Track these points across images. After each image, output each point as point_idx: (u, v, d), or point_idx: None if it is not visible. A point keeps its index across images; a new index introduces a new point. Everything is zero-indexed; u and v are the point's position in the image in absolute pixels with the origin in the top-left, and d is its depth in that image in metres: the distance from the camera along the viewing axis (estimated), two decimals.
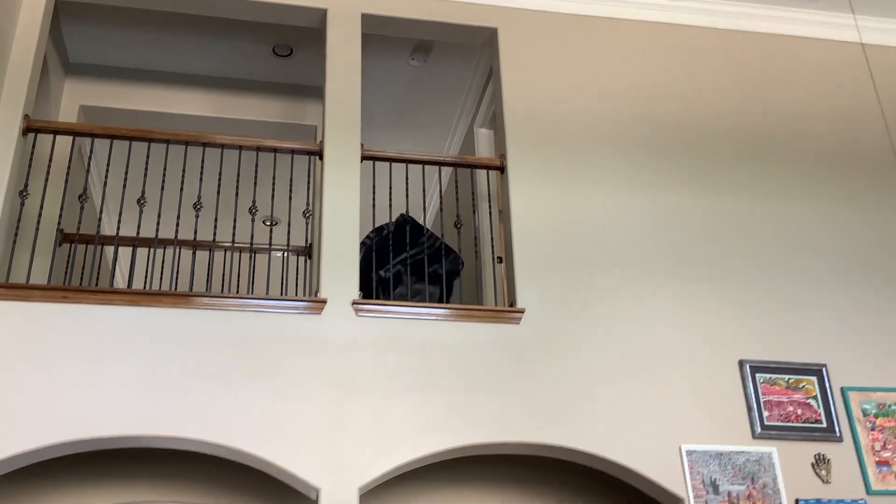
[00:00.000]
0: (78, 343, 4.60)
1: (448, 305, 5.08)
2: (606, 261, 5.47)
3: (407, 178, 5.63)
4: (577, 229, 5.54)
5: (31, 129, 5.15)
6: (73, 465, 5.58)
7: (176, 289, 5.12)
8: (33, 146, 5.14)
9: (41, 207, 5.00)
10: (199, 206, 5.30)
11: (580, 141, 5.87)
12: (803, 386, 5.24)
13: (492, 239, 5.73)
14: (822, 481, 5.00)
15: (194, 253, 5.70)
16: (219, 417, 4.57)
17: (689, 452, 4.92)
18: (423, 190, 5.62)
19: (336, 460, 4.62)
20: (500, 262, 5.67)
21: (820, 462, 5.05)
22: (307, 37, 6.72)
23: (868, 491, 5.01)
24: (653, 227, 5.65)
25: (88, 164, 5.22)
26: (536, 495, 6.00)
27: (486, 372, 4.97)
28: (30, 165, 5.10)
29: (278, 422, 4.64)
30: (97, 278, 5.62)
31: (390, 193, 5.66)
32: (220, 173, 5.41)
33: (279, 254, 8.54)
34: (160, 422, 4.51)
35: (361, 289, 5.95)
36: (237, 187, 5.30)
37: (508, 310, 5.15)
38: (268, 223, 8.26)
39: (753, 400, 5.12)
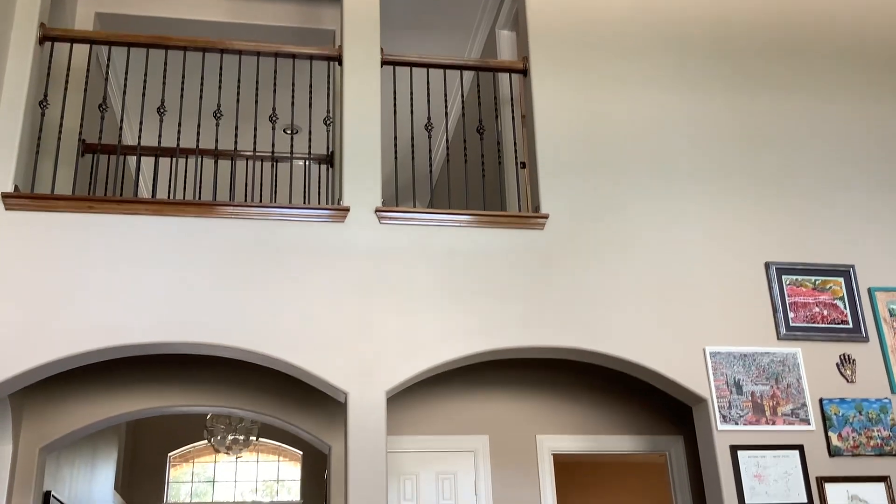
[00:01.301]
0: (104, 253, 4.65)
1: (471, 212, 5.05)
2: (632, 165, 5.40)
3: (428, 83, 5.53)
4: (601, 133, 5.45)
5: (47, 37, 5.08)
6: (103, 373, 5.72)
7: (199, 198, 5.13)
8: (51, 55, 5.08)
9: (62, 118, 4.97)
10: (218, 115, 5.26)
11: (605, 42, 5.72)
12: (830, 287, 5.22)
13: (515, 144, 5.65)
14: (847, 381, 5.03)
15: (216, 162, 5.68)
16: (246, 323, 4.63)
17: (713, 354, 4.95)
18: (445, 95, 5.53)
19: (363, 365, 4.69)
20: (524, 167, 5.61)
21: (845, 362, 5.07)
22: None
23: (893, 390, 5.03)
24: (679, 130, 5.55)
25: (107, 73, 5.17)
26: (559, 398, 6.09)
27: (509, 277, 4.98)
28: (48, 75, 5.05)
29: (305, 328, 4.70)
30: (121, 188, 5.63)
31: (411, 99, 5.57)
32: (238, 81, 5.33)
33: (301, 162, 8.51)
34: (188, 328, 4.58)
35: None
36: (256, 95, 5.24)
37: (532, 216, 5.12)
38: (288, 131, 8.21)
39: (779, 301, 5.11)
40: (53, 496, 5.92)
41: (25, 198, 4.64)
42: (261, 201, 5.35)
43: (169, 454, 11.48)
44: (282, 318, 4.68)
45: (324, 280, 4.81)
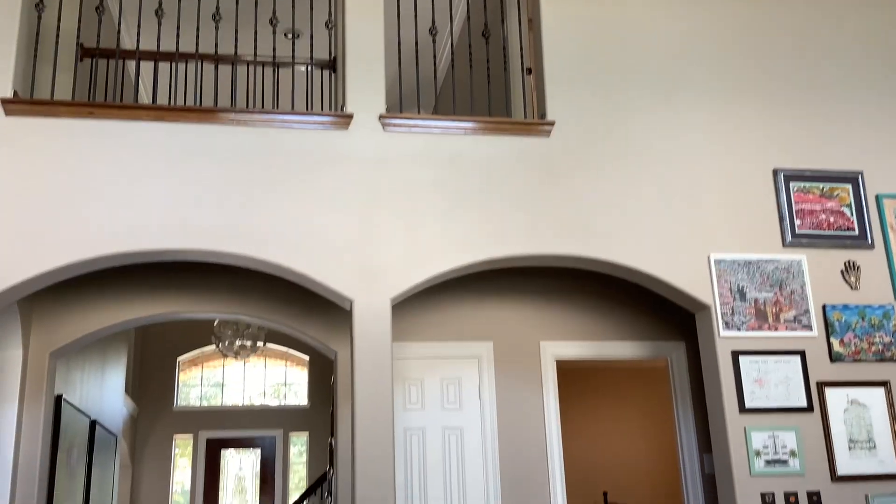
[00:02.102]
0: (107, 159, 4.61)
1: (477, 118, 4.99)
2: (639, 73, 5.30)
3: None
4: (609, 40, 5.33)
5: None
6: (111, 279, 5.75)
7: (200, 105, 5.06)
8: None
9: (59, 20, 4.87)
10: (217, 18, 5.14)
11: None
12: (837, 194, 5.19)
13: (521, 49, 5.54)
14: (851, 288, 5.05)
15: (216, 68, 5.58)
16: (251, 231, 4.63)
17: (718, 261, 4.95)
18: None
19: (368, 272, 4.70)
20: (530, 73, 5.51)
21: (849, 269, 5.08)
22: None
23: None
24: (687, 39, 5.43)
25: None
26: (563, 305, 6.14)
27: (514, 185, 4.95)
28: None
29: (310, 235, 4.70)
30: (121, 94, 5.55)
31: (415, 1, 5.43)
32: None
33: (303, 68, 8.37)
34: (193, 235, 4.58)
35: None
36: None
37: (538, 122, 5.06)
38: (289, 36, 8.04)
39: (786, 208, 5.09)
40: (65, 400, 6.04)
41: (25, 103, 4.58)
42: (263, 108, 5.28)
43: (178, 359, 11.68)
44: (286, 226, 4.68)
45: (328, 188, 4.78)
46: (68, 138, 4.60)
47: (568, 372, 9.81)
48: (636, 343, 6.12)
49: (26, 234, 4.43)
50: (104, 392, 7.53)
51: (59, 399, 5.88)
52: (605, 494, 9.62)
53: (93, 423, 6.96)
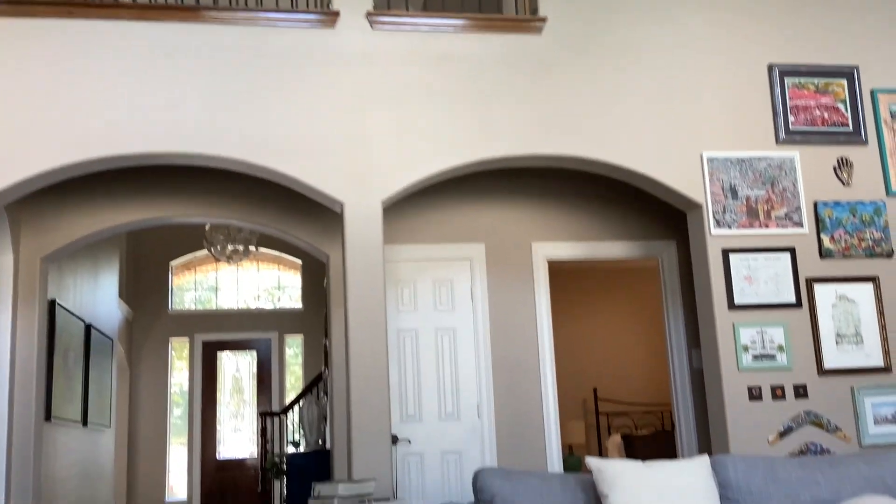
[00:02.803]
0: (89, 61, 4.50)
1: (467, 15, 4.86)
2: None
3: None
4: None
5: None
6: (100, 184, 5.70)
7: (182, 2, 4.92)
8: None
9: None
10: None
11: None
12: (832, 89, 5.12)
13: None
14: (843, 184, 5.04)
15: None
16: (238, 134, 4.57)
17: (710, 160, 4.92)
18: None
19: (358, 175, 4.66)
20: None
21: (842, 165, 5.06)
22: None
23: (888, 192, 5.06)
24: None
25: None
26: (554, 206, 6.13)
27: (506, 84, 4.87)
28: None
29: (298, 137, 4.64)
30: None
31: None
32: None
33: None
34: (179, 139, 4.52)
35: None
36: None
37: (530, 19, 4.94)
38: None
39: (780, 104, 5.03)
40: (58, 304, 6.07)
41: (2, 3, 4.44)
42: (246, 5, 5.14)
43: (170, 263, 11.71)
44: (274, 128, 4.62)
45: (316, 88, 4.70)
46: (48, 39, 4.48)
47: (559, 272, 9.89)
48: (627, 243, 6.14)
49: (8, 138, 4.36)
50: (98, 296, 7.57)
51: (52, 303, 5.90)
52: (594, 391, 9.82)
53: (88, 327, 7.02)
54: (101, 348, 7.55)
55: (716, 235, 4.85)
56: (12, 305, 5.37)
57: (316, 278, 11.79)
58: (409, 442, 5.66)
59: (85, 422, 6.89)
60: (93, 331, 7.16)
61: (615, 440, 9.26)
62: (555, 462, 5.75)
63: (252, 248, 9.74)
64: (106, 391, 7.75)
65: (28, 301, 5.45)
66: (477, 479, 3.40)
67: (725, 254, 4.83)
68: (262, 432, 8.59)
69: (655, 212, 6.21)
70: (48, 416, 5.78)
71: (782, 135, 5.01)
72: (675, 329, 6.06)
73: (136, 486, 11.16)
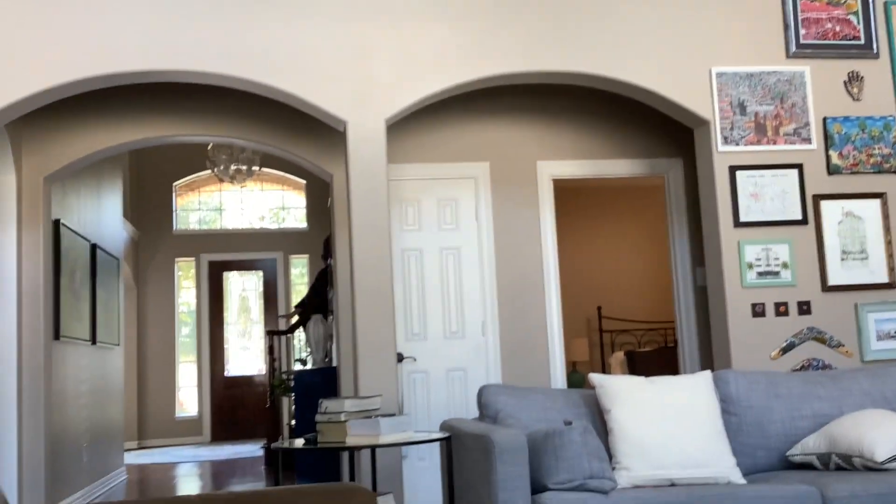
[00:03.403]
0: None
1: None
2: None
3: None
4: None
5: None
6: (102, 103, 5.64)
7: None
8: None
9: None
10: None
11: None
12: (845, 1, 4.99)
13: None
14: (853, 99, 4.96)
15: None
16: (238, 50, 4.49)
17: (719, 75, 4.83)
18: None
19: (360, 93, 4.60)
20: None
21: (852, 80, 4.97)
22: None
23: None
24: None
25: None
26: (560, 124, 6.05)
27: None
28: None
29: (302, 54, 4.55)
30: None
31: None
32: None
33: None
34: (176, 55, 4.44)
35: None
36: None
37: None
38: None
39: (791, 17, 4.91)
40: (63, 224, 6.07)
41: None
42: None
43: (174, 183, 11.69)
44: (274, 44, 4.53)
45: (316, 3, 4.59)
46: None
47: (565, 191, 9.84)
48: (633, 161, 6.08)
49: (4, 57, 4.28)
50: (102, 216, 7.57)
51: (56, 223, 5.91)
52: (598, 309, 9.90)
53: (93, 247, 7.04)
54: (108, 268, 7.59)
55: (723, 152, 4.80)
56: (17, 225, 5.37)
57: (320, 198, 11.76)
58: (415, 360, 5.72)
59: (93, 340, 6.98)
60: (98, 250, 7.18)
61: (618, 357, 9.37)
62: (558, 379, 5.82)
63: (255, 168, 9.70)
64: (113, 310, 7.82)
65: (32, 221, 5.45)
66: (482, 395, 3.44)
67: (732, 171, 4.79)
68: (270, 350, 8.70)
69: (661, 129, 6.14)
70: (56, 335, 5.85)
71: (793, 48, 4.91)
72: (680, 247, 6.05)
73: (147, 404, 11.37)
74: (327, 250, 7.40)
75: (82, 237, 6.69)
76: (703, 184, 4.96)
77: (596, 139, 6.06)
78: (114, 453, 7.75)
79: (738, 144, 4.79)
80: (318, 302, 7.85)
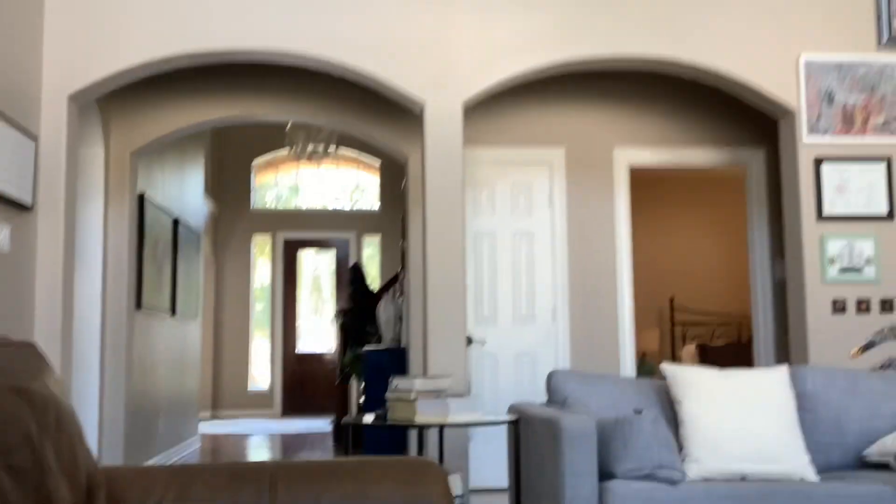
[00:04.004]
0: None
1: None
2: None
3: None
4: None
5: None
6: (187, 81, 5.78)
7: None
8: None
9: None
10: None
11: None
12: None
13: None
14: None
15: None
16: (324, 31, 4.55)
17: (808, 63, 4.71)
18: None
19: (439, 75, 4.61)
20: None
21: None
22: None
23: None
24: None
25: None
26: (639, 110, 5.98)
27: None
28: None
29: (382, 36, 4.59)
30: None
31: None
32: None
33: None
34: (268, 35, 4.52)
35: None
36: None
37: None
38: None
39: (885, 7, 4.75)
40: (147, 198, 6.26)
41: None
42: None
43: (253, 162, 11.92)
44: (355, 25, 4.58)
45: None
46: None
47: (641, 179, 9.72)
48: (714, 150, 5.97)
49: (97, 33, 4.43)
50: (184, 192, 7.77)
51: (141, 197, 6.09)
52: (671, 300, 9.77)
53: (175, 221, 7.24)
54: (189, 242, 7.80)
55: (808, 144, 4.68)
56: (104, 198, 5.56)
57: (394, 179, 11.86)
58: (484, 343, 5.75)
59: (173, 312, 7.18)
60: (180, 225, 7.38)
61: (690, 350, 9.24)
62: (627, 368, 5.78)
63: (332, 148, 9.83)
64: (193, 283, 8.04)
65: (119, 194, 5.63)
66: (551, 380, 3.44)
67: (817, 163, 4.67)
68: (341, 328, 8.83)
69: (744, 118, 6.01)
70: (138, 305, 6.04)
71: (885, 37, 4.75)
72: (759, 239, 5.93)
73: (222, 375, 11.67)
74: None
75: (165, 211, 6.88)
76: (786, 175, 4.84)
77: (676, 127, 5.97)
78: (189, 422, 7.99)
79: (824, 135, 4.67)
80: (364, 303, 8.06)
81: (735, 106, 5.99)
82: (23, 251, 4.06)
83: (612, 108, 5.97)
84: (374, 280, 11.80)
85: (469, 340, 5.70)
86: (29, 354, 1.36)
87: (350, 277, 8.41)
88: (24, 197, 3.99)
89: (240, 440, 8.90)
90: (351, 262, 11.74)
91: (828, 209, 4.65)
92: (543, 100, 5.96)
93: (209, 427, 10.09)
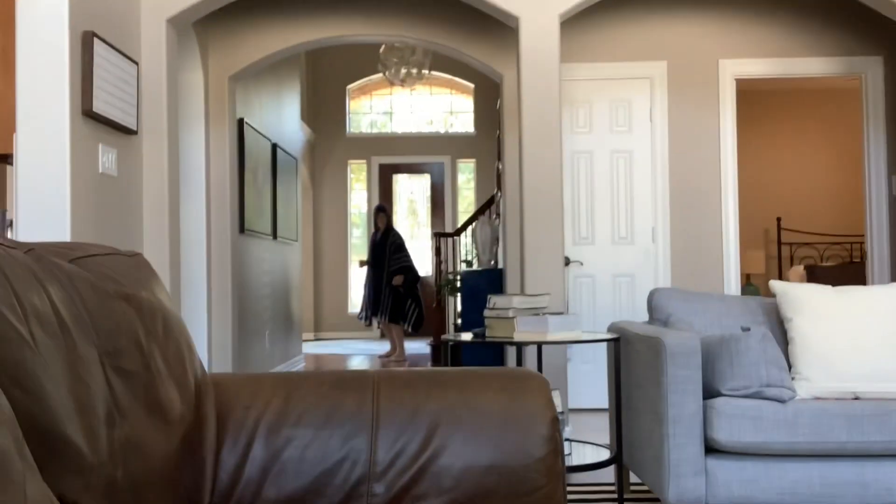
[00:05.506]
0: None
1: None
2: None
3: None
4: None
5: None
6: (280, 2, 5.76)
7: None
8: None
9: None
10: None
11: None
12: None
13: None
14: None
15: None
16: None
17: None
18: None
19: None
20: None
21: None
22: None
23: None
24: None
25: None
26: (745, 18, 5.67)
27: None
28: None
29: None
30: None
31: None
32: None
33: None
34: None
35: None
36: None
37: None
38: None
39: None
40: (246, 123, 6.34)
41: None
42: None
43: (347, 87, 11.93)
44: None
45: None
46: None
47: (747, 94, 9.30)
48: (825, 59, 5.64)
49: None
50: (282, 117, 7.85)
51: (241, 122, 6.17)
52: (778, 220, 9.43)
53: (274, 146, 7.33)
54: (287, 167, 7.91)
55: None
56: (205, 122, 5.65)
57: (488, 103, 11.70)
58: (581, 264, 5.67)
59: (275, 235, 7.34)
60: (278, 150, 7.48)
61: (797, 271, 8.94)
62: (732, 291, 5.62)
63: (425, 71, 9.73)
64: (293, 208, 8.17)
65: (219, 119, 5.72)
66: (653, 298, 3.36)
67: None
68: (437, 252, 8.88)
69: (860, 23, 5.64)
70: (242, 229, 6.18)
71: None
72: (875, 153, 5.62)
73: (322, 298, 11.95)
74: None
75: (264, 136, 6.97)
76: None
77: (784, 35, 5.66)
78: (293, 341, 8.22)
79: None
80: (391, 258, 8.74)
81: (849, 10, 5.62)
82: (130, 174, 4.17)
83: (717, 16, 5.69)
84: (469, 204, 11.78)
85: (566, 261, 5.63)
86: (137, 264, 1.38)
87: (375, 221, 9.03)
88: (129, 121, 4.08)
89: (342, 360, 9.14)
90: (446, 185, 11.73)
91: None
92: (643, 10, 5.72)
93: (312, 347, 10.38)
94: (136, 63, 4.19)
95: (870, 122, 5.64)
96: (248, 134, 6.39)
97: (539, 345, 3.39)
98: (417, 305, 8.98)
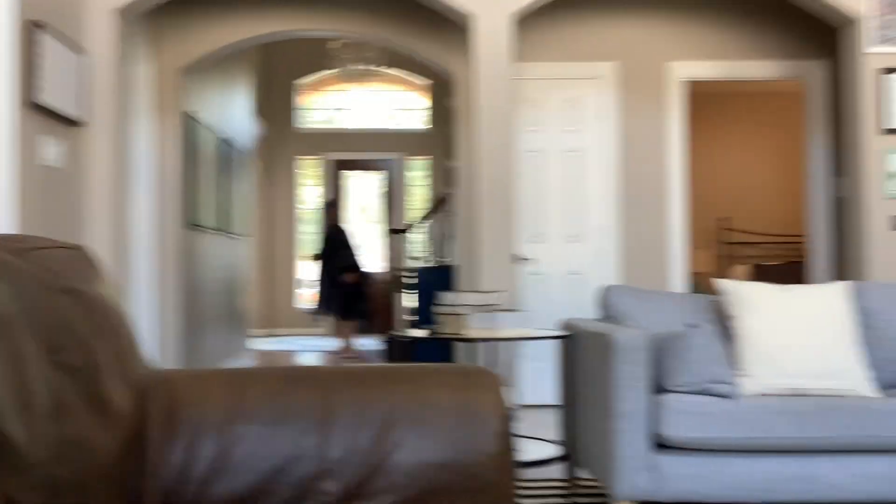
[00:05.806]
0: None
1: None
2: None
3: None
4: None
5: None
6: None
7: None
8: None
9: None
10: None
11: None
12: None
13: None
14: None
15: None
16: None
17: None
18: None
19: None
20: None
21: None
22: None
23: None
24: None
25: None
26: (693, 22, 5.76)
27: None
28: None
29: None
30: None
31: None
32: None
33: None
34: None
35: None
36: None
37: None
38: None
39: None
40: (196, 117, 6.25)
41: None
42: None
43: (296, 81, 11.84)
44: None
45: None
46: None
47: (700, 95, 9.44)
48: (771, 62, 5.75)
49: None
50: (233, 112, 7.76)
51: (191, 115, 6.08)
52: (724, 220, 9.59)
53: (225, 140, 7.24)
54: (238, 162, 7.82)
55: (870, 53, 4.47)
56: (155, 116, 5.55)
57: (443, 99, 11.71)
58: (533, 261, 5.71)
59: (225, 230, 7.25)
60: (229, 145, 7.39)
61: (743, 270, 9.11)
62: (679, 289, 5.71)
63: (379, 67, 9.70)
64: (243, 203, 8.09)
65: (169, 112, 5.63)
66: (605, 296, 3.39)
67: (883, 73, 4.46)
68: (389, 249, 8.89)
69: (803, 28, 5.76)
70: (189, 223, 6.09)
71: None
72: (817, 154, 5.75)
73: (274, 294, 11.84)
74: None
75: (215, 130, 6.88)
76: (846, 87, 4.65)
77: (731, 39, 5.75)
78: (241, 337, 8.14)
79: (887, 45, 4.45)
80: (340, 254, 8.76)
81: (793, 16, 5.74)
82: (76, 166, 4.09)
83: (666, 19, 5.77)
84: (423, 201, 11.77)
85: (519, 259, 5.66)
86: (79, 257, 1.35)
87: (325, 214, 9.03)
88: (75, 112, 4.00)
89: (293, 356, 9.07)
90: (398, 181, 11.71)
91: (884, 122, 4.46)
92: (593, 11, 5.77)
93: (262, 344, 10.28)
94: (85, 54, 4.10)
95: (812, 125, 5.76)
96: (199, 128, 6.31)
97: (490, 342, 3.40)
98: (363, 301, 8.97)
